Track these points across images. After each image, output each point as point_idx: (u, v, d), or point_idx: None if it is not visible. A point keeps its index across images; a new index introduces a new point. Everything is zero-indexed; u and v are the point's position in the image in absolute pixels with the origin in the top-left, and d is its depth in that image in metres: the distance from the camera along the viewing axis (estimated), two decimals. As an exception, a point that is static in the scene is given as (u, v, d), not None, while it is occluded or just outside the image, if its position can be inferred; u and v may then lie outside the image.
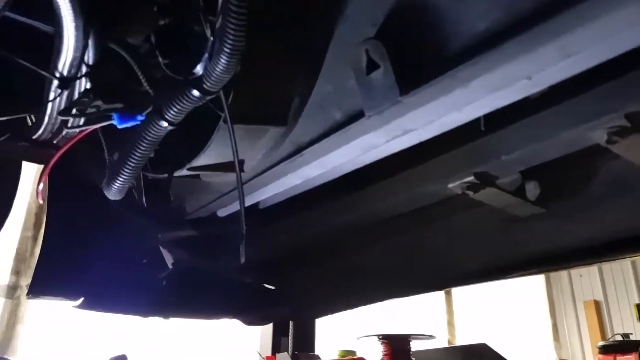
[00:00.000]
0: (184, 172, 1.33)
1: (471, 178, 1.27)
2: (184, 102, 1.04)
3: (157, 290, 2.00)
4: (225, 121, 1.11)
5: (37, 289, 1.79)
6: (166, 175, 1.38)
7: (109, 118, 1.07)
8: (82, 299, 1.84)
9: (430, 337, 2.21)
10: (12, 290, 2.89)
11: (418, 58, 0.97)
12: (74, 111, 1.09)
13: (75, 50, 1.00)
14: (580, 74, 0.85)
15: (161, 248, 1.99)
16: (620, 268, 7.11)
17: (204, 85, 1.00)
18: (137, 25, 1.08)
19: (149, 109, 1.09)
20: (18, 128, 1.37)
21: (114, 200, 1.36)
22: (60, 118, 1.21)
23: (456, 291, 6.01)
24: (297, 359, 2.51)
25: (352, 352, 2.50)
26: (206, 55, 1.03)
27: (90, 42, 1.01)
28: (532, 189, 1.34)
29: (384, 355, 2.13)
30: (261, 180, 1.40)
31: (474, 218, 1.58)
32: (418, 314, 5.23)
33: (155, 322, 2.14)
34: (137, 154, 1.16)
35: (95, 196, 1.45)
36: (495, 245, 1.68)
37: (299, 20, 1.13)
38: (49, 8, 0.94)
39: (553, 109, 1.08)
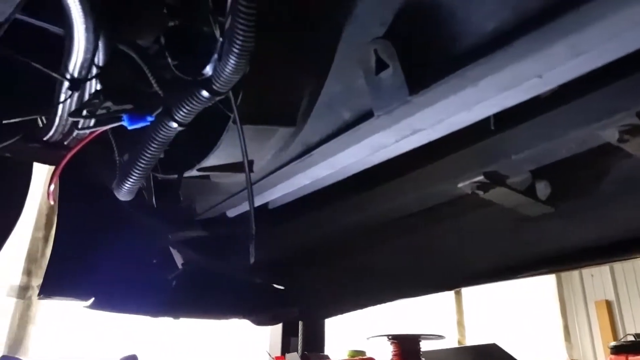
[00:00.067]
0: (193, 172, 1.33)
1: (481, 177, 1.27)
2: (194, 102, 1.04)
3: (167, 291, 2.01)
4: (234, 122, 1.11)
5: (48, 289, 1.80)
6: (176, 176, 1.39)
7: (119, 119, 1.08)
8: (92, 299, 1.85)
9: (440, 337, 2.20)
10: (23, 290, 2.91)
11: (427, 57, 0.96)
12: (84, 112, 1.09)
13: (85, 52, 1.01)
14: (591, 73, 0.84)
15: (171, 248, 2.00)
16: (632, 267, 7.05)
17: (213, 86, 1.01)
18: (147, 27, 1.09)
19: (159, 110, 1.09)
20: (29, 129, 1.38)
21: (124, 201, 1.37)
22: (70, 119, 1.22)
23: (466, 291, 5.98)
24: (307, 359, 2.51)
25: (362, 352, 2.50)
26: (215, 56, 1.03)
27: (101, 44, 1.02)
28: (543, 189, 1.33)
29: (394, 355, 2.12)
30: (270, 181, 1.41)
31: (484, 218, 1.57)
32: (428, 314, 5.21)
33: (165, 323, 2.15)
34: (147, 155, 1.17)
35: (105, 197, 1.45)
36: (505, 245, 1.67)
37: (308, 20, 1.13)
38: (59, 10, 0.94)
39: (563, 107, 1.07)
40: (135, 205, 1.52)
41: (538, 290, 7.16)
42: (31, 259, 2.97)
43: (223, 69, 0.97)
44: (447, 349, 2.57)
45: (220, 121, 1.16)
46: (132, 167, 1.21)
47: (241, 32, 0.91)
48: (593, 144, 1.14)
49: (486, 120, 1.10)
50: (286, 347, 2.91)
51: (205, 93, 1.02)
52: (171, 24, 1.11)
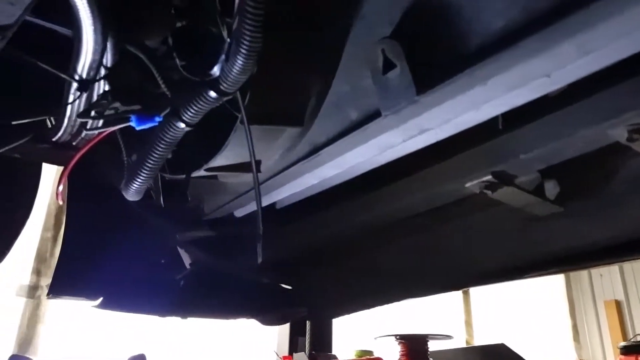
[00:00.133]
0: (201, 172, 1.34)
1: (489, 177, 1.26)
2: (201, 103, 1.04)
3: (175, 291, 2.02)
4: (242, 122, 1.12)
5: (57, 289, 1.82)
6: (184, 176, 1.39)
7: (127, 120, 1.08)
8: (101, 299, 1.86)
9: (448, 337, 2.19)
10: (32, 290, 2.93)
11: (434, 57, 0.96)
12: (92, 113, 1.10)
13: (94, 53, 1.02)
14: (600, 71, 0.83)
15: (179, 248, 2.00)
16: (642, 267, 7.00)
17: (221, 87, 1.01)
18: (155, 28, 1.09)
19: (167, 111, 1.09)
20: (38, 130, 1.39)
21: (132, 201, 1.37)
22: (79, 120, 1.23)
23: (474, 291, 5.96)
24: (314, 358, 2.51)
25: (369, 352, 2.49)
26: (223, 56, 1.03)
27: (109, 45, 1.03)
28: (552, 188, 1.32)
29: (401, 355, 2.12)
30: (278, 181, 1.41)
31: (492, 217, 1.57)
32: (435, 314, 5.20)
33: (173, 322, 2.16)
34: (155, 155, 1.17)
35: (114, 197, 1.46)
36: (513, 245, 1.66)
37: (315, 20, 1.13)
38: (68, 12, 0.95)
39: (572, 106, 1.07)
40: (144, 206, 1.53)
41: (547, 290, 7.13)
42: (40, 259, 2.98)
43: (230, 70, 0.97)
44: (455, 349, 2.56)
45: (228, 121, 1.17)
46: (140, 167, 1.21)
47: (248, 33, 0.91)
48: (602, 143, 1.13)
49: (494, 120, 1.09)
50: (294, 346, 2.90)
51: (212, 93, 1.02)
52: (179, 24, 1.11)
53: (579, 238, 1.51)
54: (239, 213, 1.71)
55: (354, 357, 2.48)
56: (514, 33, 0.83)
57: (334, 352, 2.89)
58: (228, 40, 1.02)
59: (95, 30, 0.96)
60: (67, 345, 3.00)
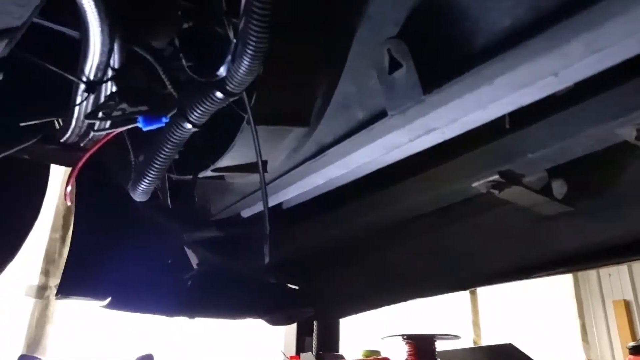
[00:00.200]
0: (208, 173, 1.34)
1: (496, 177, 1.26)
2: (208, 104, 1.05)
3: (182, 291, 2.02)
4: (248, 122, 1.12)
5: (66, 289, 1.83)
6: (191, 176, 1.40)
7: (134, 121, 1.09)
8: (109, 299, 1.87)
9: (456, 337, 2.19)
10: (41, 290, 2.95)
11: (441, 56, 0.96)
12: (100, 114, 1.10)
13: (101, 55, 1.02)
14: (608, 70, 0.83)
15: (186, 249, 2.01)
16: (651, 267, 6.95)
17: (227, 87, 1.01)
18: (162, 29, 1.10)
19: (173, 111, 1.10)
20: (46, 132, 1.40)
21: (139, 202, 1.38)
22: (87, 121, 1.24)
23: (482, 291, 5.94)
24: (322, 358, 2.51)
25: (377, 352, 2.49)
26: (229, 57, 1.04)
27: (116, 47, 1.03)
28: (559, 187, 1.32)
29: (409, 355, 2.12)
30: (284, 181, 1.41)
31: (499, 217, 1.56)
32: (443, 314, 5.18)
33: (181, 322, 2.17)
34: (162, 156, 1.17)
35: (121, 198, 1.47)
36: (520, 245, 1.66)
37: (321, 21, 1.13)
38: (75, 14, 0.95)
39: (580, 105, 1.06)
40: (151, 206, 1.53)
41: (554, 290, 7.09)
42: (49, 260, 3.00)
43: (237, 70, 0.97)
44: (462, 349, 2.55)
45: (235, 122, 1.17)
46: (147, 168, 1.22)
47: (255, 34, 0.91)
48: (610, 142, 1.12)
49: (501, 119, 1.09)
50: (301, 346, 2.91)
51: (219, 94, 1.03)
52: (185, 25, 1.12)
53: (587, 237, 1.50)
54: (246, 213, 1.71)
55: (361, 357, 2.47)
56: (521, 32, 0.82)
57: (341, 352, 2.89)
58: (234, 41, 1.02)
59: (102, 32, 0.97)
60: (76, 346, 3.02)
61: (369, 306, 2.45)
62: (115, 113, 1.08)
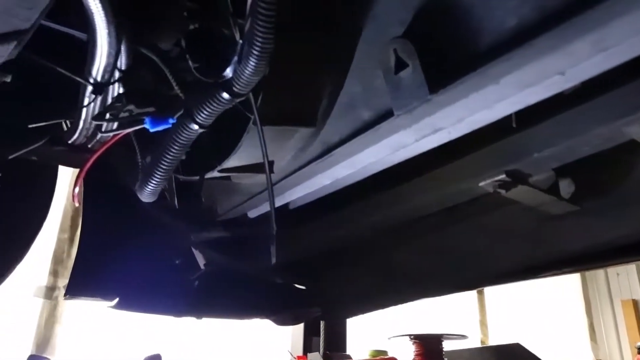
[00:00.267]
0: (215, 174, 1.34)
1: (503, 176, 1.25)
2: (214, 104, 1.05)
3: (190, 291, 2.03)
4: (254, 123, 1.12)
5: (74, 289, 1.84)
6: (197, 177, 1.40)
7: (141, 122, 1.09)
8: (117, 300, 1.88)
9: (463, 337, 2.18)
10: (50, 291, 2.97)
11: (447, 56, 0.96)
12: (107, 116, 1.11)
13: (108, 57, 1.03)
14: (615, 69, 0.83)
15: (193, 249, 2.01)
16: (660, 266, 6.92)
17: (234, 88, 1.01)
18: (168, 30, 1.10)
19: (180, 112, 1.10)
20: (54, 133, 1.41)
21: (147, 203, 1.39)
22: (94, 123, 1.24)
23: (489, 290, 5.93)
24: (329, 358, 2.51)
25: (384, 352, 2.49)
26: (235, 58, 1.04)
27: (123, 48, 1.04)
28: (566, 187, 1.31)
29: (416, 355, 2.11)
30: (291, 181, 1.41)
31: (506, 216, 1.56)
32: (450, 314, 5.17)
33: (188, 322, 2.17)
34: (169, 157, 1.18)
35: (129, 199, 1.47)
36: (527, 244, 1.65)
37: (327, 21, 1.14)
38: (82, 16, 0.96)
39: (587, 104, 1.06)
40: (158, 207, 1.54)
41: (562, 289, 7.07)
42: (57, 260, 3.02)
43: (243, 71, 0.98)
44: (470, 349, 2.55)
45: (241, 123, 1.17)
46: (154, 168, 1.22)
47: (261, 34, 0.91)
48: (618, 141, 1.12)
49: (508, 118, 1.09)
50: (308, 346, 2.91)
51: (225, 95, 1.03)
52: (192, 27, 1.12)
53: (594, 237, 1.49)
54: (253, 214, 1.72)
55: (368, 357, 2.47)
56: (527, 31, 0.82)
57: (348, 352, 2.89)
58: (240, 41, 1.03)
59: (109, 34, 0.98)
60: (84, 345, 3.04)
61: (375, 306, 2.44)
62: (122, 114, 1.09)
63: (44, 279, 2.98)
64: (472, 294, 5.96)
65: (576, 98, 1.06)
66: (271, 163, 1.30)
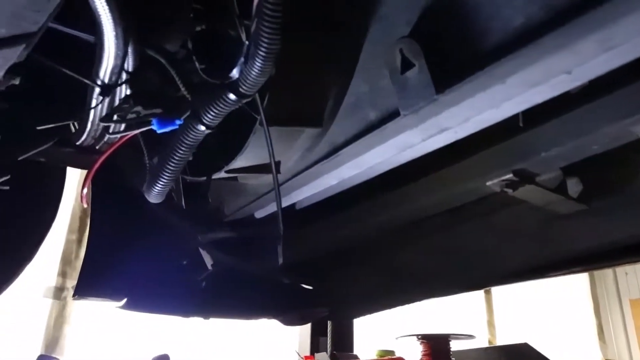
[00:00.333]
0: (221, 174, 1.35)
1: (510, 175, 1.25)
2: (221, 105, 1.05)
3: (197, 291, 2.04)
4: (261, 123, 1.12)
5: (83, 290, 1.85)
6: (204, 178, 1.41)
7: (149, 123, 1.10)
8: (125, 300, 1.89)
9: (470, 337, 2.17)
10: (59, 291, 2.99)
11: (453, 55, 0.96)
12: (115, 117, 1.12)
13: (115, 58, 1.03)
14: (622, 67, 0.82)
15: (200, 250, 2.02)
16: (669, 265, 6.87)
17: (240, 89, 1.02)
18: (175, 32, 1.11)
19: (187, 114, 1.11)
20: (62, 135, 1.42)
21: (154, 204, 1.39)
22: (102, 124, 1.25)
23: (496, 290, 5.91)
24: (336, 358, 2.51)
25: (391, 352, 2.48)
26: (242, 59, 1.04)
27: (130, 50, 1.04)
28: (574, 186, 1.31)
29: (423, 355, 2.11)
30: (297, 182, 1.41)
31: (513, 216, 1.55)
32: (458, 314, 5.16)
33: (196, 323, 2.18)
34: (176, 158, 1.18)
35: (136, 200, 1.48)
36: (535, 244, 1.65)
37: (333, 21, 1.14)
38: (90, 18, 0.97)
39: (594, 103, 1.06)
40: (165, 208, 1.54)
41: (570, 289, 7.03)
42: (66, 261, 3.04)
43: (249, 72, 0.98)
44: (477, 349, 2.54)
45: (247, 123, 1.18)
46: (162, 169, 1.23)
47: (267, 35, 0.91)
48: (625, 139, 1.11)
49: (515, 118, 1.08)
50: (315, 346, 2.91)
51: (232, 96, 1.03)
52: (198, 28, 1.13)
53: (602, 236, 1.49)
54: (259, 214, 1.72)
55: (376, 357, 2.47)
56: (534, 30, 0.82)
57: (355, 352, 2.89)
58: (246, 42, 1.03)
59: (116, 36, 0.98)
60: (93, 345, 3.05)
61: (382, 306, 2.45)
62: (129, 116, 1.10)
63: (52, 280, 2.99)
64: (480, 294, 5.95)
65: (583, 97, 1.06)
66: (278, 163, 1.31)
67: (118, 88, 1.12)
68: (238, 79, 1.02)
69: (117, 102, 1.14)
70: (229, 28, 1.11)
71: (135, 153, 1.38)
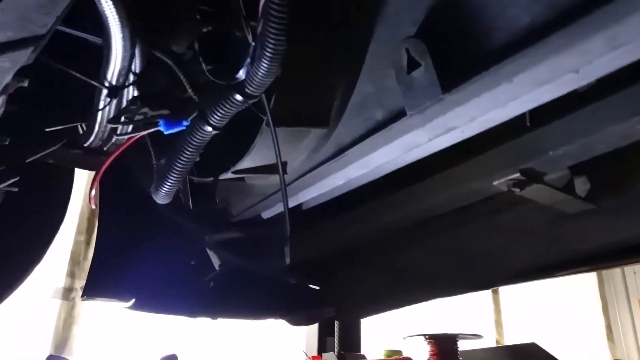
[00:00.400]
0: (228, 175, 1.35)
1: (517, 175, 1.25)
2: (227, 106, 1.06)
3: (205, 292, 2.04)
4: (267, 124, 1.13)
5: (91, 291, 1.85)
6: (211, 178, 1.41)
7: (156, 124, 1.10)
8: (133, 300, 1.90)
9: (478, 336, 2.17)
10: (67, 292, 3.00)
11: (459, 55, 0.95)
12: (122, 119, 1.12)
13: (122, 60, 1.04)
14: (630, 65, 0.82)
15: (208, 250, 2.03)
16: (678, 264, 6.81)
17: (247, 90, 1.02)
18: (181, 34, 1.11)
19: (194, 115, 1.11)
20: (70, 137, 1.43)
21: (162, 204, 1.40)
22: (109, 126, 1.26)
23: (504, 290, 5.88)
24: (343, 358, 2.52)
25: (398, 352, 2.48)
26: (248, 60, 1.05)
27: (137, 52, 1.05)
28: (582, 185, 1.30)
29: (431, 355, 2.11)
30: (304, 182, 1.42)
31: (520, 216, 1.55)
32: (465, 314, 5.15)
33: (203, 323, 2.19)
34: (183, 159, 1.19)
35: (144, 201, 1.49)
36: (542, 243, 1.64)
37: (339, 21, 1.14)
38: (97, 21, 0.97)
39: (602, 101, 1.05)
40: (173, 208, 1.55)
41: (578, 288, 6.99)
42: (74, 262, 3.06)
43: (256, 73, 0.98)
44: (485, 349, 2.53)
45: (254, 124, 1.18)
46: (169, 170, 1.24)
47: (273, 36, 0.92)
48: (633, 138, 1.10)
49: (522, 117, 1.08)
50: (322, 346, 2.92)
51: (238, 97, 1.04)
52: (204, 29, 1.13)
53: (610, 235, 1.48)
54: (266, 214, 1.73)
55: (383, 357, 2.47)
56: (540, 29, 0.82)
57: (362, 352, 2.89)
58: (253, 43, 1.03)
59: (124, 38, 0.99)
60: (102, 346, 3.07)
61: (389, 306, 2.44)
62: (137, 117, 1.10)
63: (61, 281, 3.01)
64: (487, 294, 5.92)
65: (590, 96, 1.05)
66: (284, 164, 1.31)
67: (125, 90, 1.13)
68: (244, 79, 1.03)
69: (124, 103, 1.15)
70: (235, 29, 1.11)
71: (142, 154, 1.38)
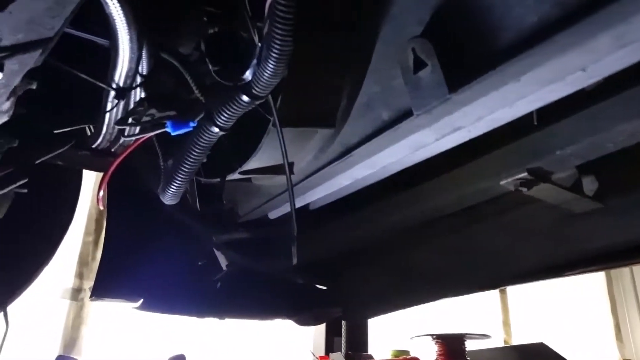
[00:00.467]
0: (235, 176, 1.36)
1: (524, 174, 1.24)
2: (234, 107, 1.06)
3: (213, 292, 2.05)
4: (274, 125, 1.13)
5: (100, 291, 1.86)
6: (219, 179, 1.42)
7: (163, 126, 1.11)
8: (141, 301, 1.91)
9: (486, 336, 2.16)
10: (76, 292, 3.02)
11: (466, 55, 0.95)
12: (130, 120, 1.13)
13: (130, 62, 1.05)
14: (638, 63, 0.81)
15: (215, 251, 2.03)
16: (687, 263, 6.76)
17: (253, 91, 1.02)
18: (188, 35, 1.12)
19: (201, 116, 1.12)
20: (78, 138, 1.44)
21: (169, 205, 1.40)
22: (117, 127, 1.27)
23: (512, 289, 5.85)
24: (351, 358, 2.52)
25: (406, 352, 2.48)
26: (254, 60, 1.05)
27: (144, 54, 1.06)
28: (590, 184, 1.30)
29: (438, 355, 2.10)
30: (311, 182, 1.42)
31: (527, 215, 1.54)
32: (472, 313, 5.13)
33: (211, 323, 2.19)
34: (190, 160, 1.19)
35: (152, 202, 1.49)
36: (550, 243, 1.63)
37: (345, 22, 1.14)
38: (105, 23, 0.98)
39: (610, 100, 1.05)
40: (180, 209, 1.55)
41: (587, 288, 6.95)
42: (82, 262, 3.07)
43: (262, 74, 0.98)
44: (493, 349, 2.53)
45: (261, 125, 1.18)
46: (176, 171, 1.24)
47: (279, 37, 0.92)
48: (641, 137, 1.10)
49: (529, 116, 1.08)
50: (330, 346, 2.91)
51: (245, 98, 1.04)
52: (211, 31, 1.14)
53: (618, 234, 1.47)
54: (273, 215, 1.73)
55: (391, 357, 2.47)
56: (547, 28, 0.81)
57: (370, 352, 2.88)
58: (259, 44, 1.03)
59: (131, 40, 0.99)
60: (110, 346, 3.08)
61: (396, 306, 2.44)
62: (144, 119, 1.11)
63: (70, 281, 3.03)
64: (495, 294, 5.90)
65: (598, 94, 1.05)
66: (291, 164, 1.31)
67: (133, 91, 1.14)
68: (251, 80, 1.03)
69: (131, 105, 1.16)
70: (242, 30, 1.12)
71: (150, 155, 1.39)
